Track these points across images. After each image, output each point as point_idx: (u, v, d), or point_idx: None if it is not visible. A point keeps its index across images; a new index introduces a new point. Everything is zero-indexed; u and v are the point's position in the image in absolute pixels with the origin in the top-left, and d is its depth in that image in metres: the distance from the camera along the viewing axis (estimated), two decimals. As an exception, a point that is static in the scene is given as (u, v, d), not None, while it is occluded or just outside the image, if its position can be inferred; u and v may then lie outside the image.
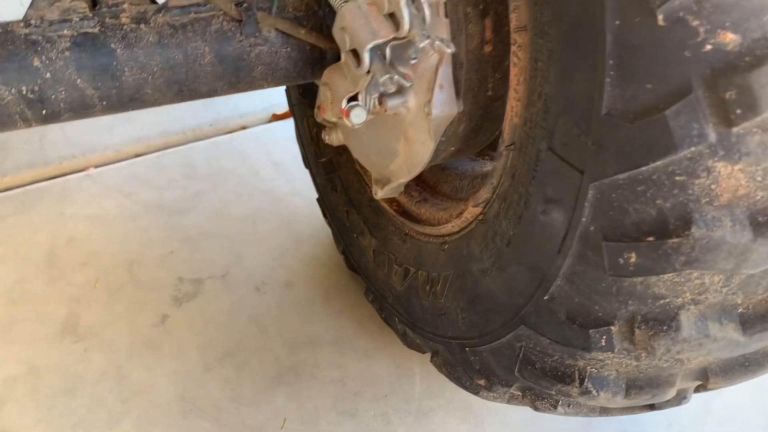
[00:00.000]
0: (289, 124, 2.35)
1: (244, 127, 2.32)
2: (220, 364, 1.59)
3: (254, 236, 1.92)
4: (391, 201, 1.49)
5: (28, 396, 1.49)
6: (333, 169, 1.71)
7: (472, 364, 1.23)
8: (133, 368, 1.56)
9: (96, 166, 2.09)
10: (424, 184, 1.47)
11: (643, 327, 0.89)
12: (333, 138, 1.45)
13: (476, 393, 1.32)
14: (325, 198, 1.80)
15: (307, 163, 1.85)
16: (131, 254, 1.82)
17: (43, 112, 1.02)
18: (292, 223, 1.98)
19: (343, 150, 1.66)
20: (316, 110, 1.51)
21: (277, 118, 2.37)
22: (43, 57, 0.99)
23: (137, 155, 2.13)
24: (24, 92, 0.99)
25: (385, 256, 1.51)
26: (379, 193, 1.36)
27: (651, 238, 0.79)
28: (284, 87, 1.69)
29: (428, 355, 1.50)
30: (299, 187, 2.09)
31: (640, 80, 0.72)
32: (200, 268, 1.80)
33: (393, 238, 1.48)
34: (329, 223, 1.84)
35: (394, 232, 1.48)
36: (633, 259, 0.81)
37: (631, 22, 0.70)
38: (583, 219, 0.83)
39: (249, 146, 2.23)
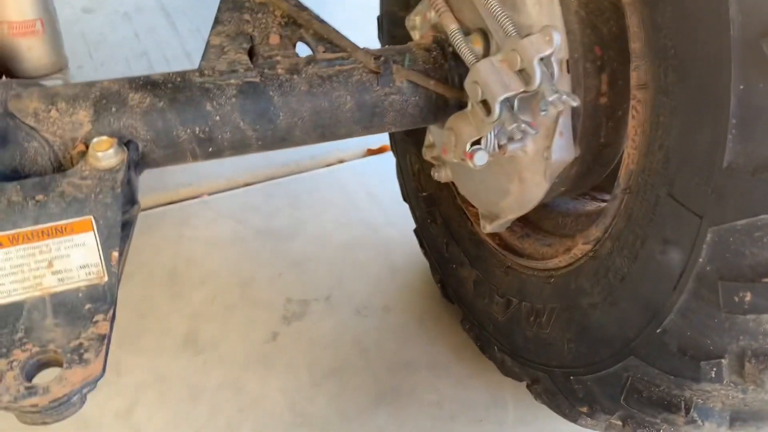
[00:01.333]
0: (383, 158, 2.49)
1: (341, 161, 2.47)
2: (326, 380, 1.71)
3: (354, 262, 2.05)
4: (493, 235, 1.58)
5: (156, 401, 1.65)
6: (433, 202, 1.83)
7: (575, 393, 1.30)
8: (248, 380, 1.70)
9: (210, 194, 2.27)
10: (525, 220, 1.56)
11: (753, 361, 0.95)
12: (442, 175, 1.57)
13: (575, 420, 1.39)
14: (424, 230, 1.91)
15: (406, 197, 1.97)
16: (244, 275, 1.97)
17: (210, 149, 1.18)
18: (388, 252, 2.11)
19: (444, 185, 1.77)
20: (424, 149, 1.64)
21: (371, 153, 2.51)
22: (214, 102, 1.15)
23: (247, 184, 2.31)
24: (197, 132, 1.15)
25: (486, 287, 1.60)
26: (488, 228, 1.46)
27: (766, 280, 0.87)
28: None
29: (520, 384, 1.58)
30: (394, 218, 2.21)
31: (761, 138, 0.81)
32: (306, 290, 1.94)
33: (495, 270, 1.58)
34: (426, 254, 1.94)
35: (495, 265, 1.58)
36: (748, 298, 0.89)
37: (756, 86, 0.79)
38: (701, 260, 0.91)
39: (346, 179, 2.38)
